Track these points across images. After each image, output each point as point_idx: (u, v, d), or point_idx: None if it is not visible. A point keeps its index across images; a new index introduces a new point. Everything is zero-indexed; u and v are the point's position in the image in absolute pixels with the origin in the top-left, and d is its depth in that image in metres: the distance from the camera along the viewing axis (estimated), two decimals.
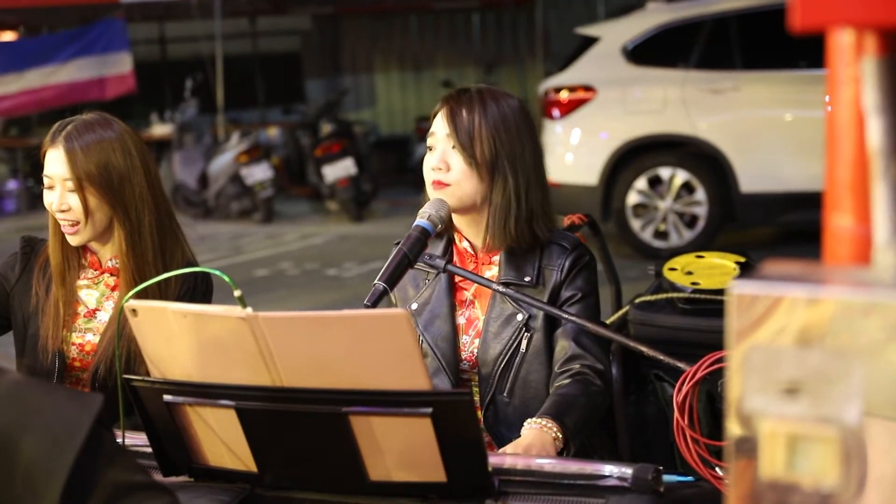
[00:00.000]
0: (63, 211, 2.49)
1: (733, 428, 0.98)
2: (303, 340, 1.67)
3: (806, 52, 8.08)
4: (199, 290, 2.57)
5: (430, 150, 2.39)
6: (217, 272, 1.79)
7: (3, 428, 1.34)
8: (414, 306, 2.45)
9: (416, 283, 2.48)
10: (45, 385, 1.43)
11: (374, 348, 1.64)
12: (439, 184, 2.35)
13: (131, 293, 1.84)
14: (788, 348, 0.94)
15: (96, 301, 2.59)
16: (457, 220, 2.43)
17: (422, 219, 2.29)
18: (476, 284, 2.42)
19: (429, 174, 2.37)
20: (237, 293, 1.67)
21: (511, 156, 2.35)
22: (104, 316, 2.57)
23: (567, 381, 2.29)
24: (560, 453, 2.13)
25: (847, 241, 1.00)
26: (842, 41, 0.97)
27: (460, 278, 2.44)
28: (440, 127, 2.38)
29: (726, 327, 0.98)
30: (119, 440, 1.44)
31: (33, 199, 13.01)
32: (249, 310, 1.66)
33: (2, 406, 1.36)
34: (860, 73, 0.95)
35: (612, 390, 2.42)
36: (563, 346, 2.34)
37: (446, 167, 2.35)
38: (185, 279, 2.55)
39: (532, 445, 2.09)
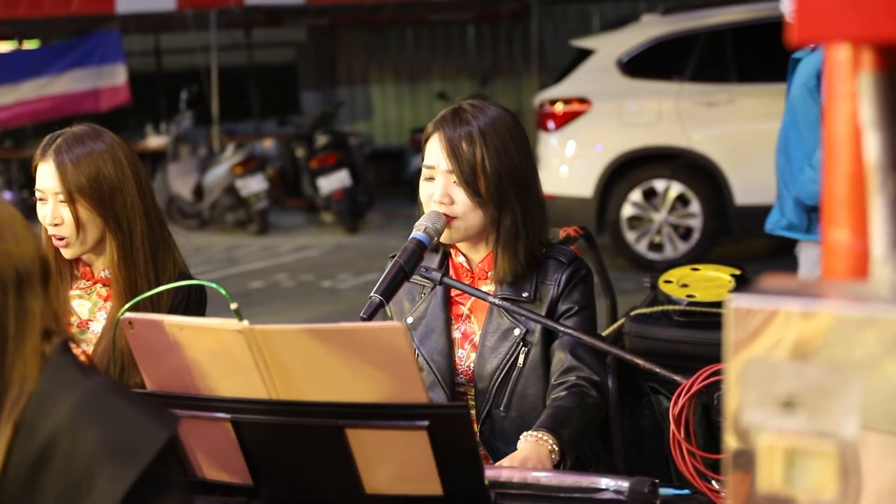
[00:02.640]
0: (56, 224, 2.49)
1: (731, 441, 0.98)
2: (299, 353, 1.67)
3: None
4: (192, 301, 2.57)
5: (430, 179, 2.35)
6: (213, 285, 1.79)
7: (70, 423, 1.35)
8: (409, 320, 2.45)
9: (412, 296, 2.48)
10: (131, 394, 1.44)
11: (370, 361, 1.64)
12: (445, 215, 2.32)
13: (127, 306, 1.83)
14: (786, 362, 0.94)
15: (88, 312, 2.59)
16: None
17: (418, 231, 2.28)
18: (472, 299, 2.41)
19: (429, 203, 2.34)
20: (234, 306, 1.67)
21: (515, 184, 2.33)
22: (97, 327, 2.56)
23: (563, 393, 2.29)
24: (556, 466, 2.13)
25: (844, 255, 1.00)
26: (839, 56, 0.97)
27: (456, 292, 2.43)
28: (439, 159, 2.33)
29: (724, 340, 0.98)
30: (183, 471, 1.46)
31: (28, 211, 12.90)
32: (246, 322, 1.66)
33: (82, 405, 1.37)
34: (857, 89, 0.95)
35: (608, 402, 2.42)
36: (560, 358, 2.34)
37: (450, 201, 2.32)
38: (178, 290, 2.54)
39: (528, 458, 2.08)
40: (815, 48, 3.93)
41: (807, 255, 3.99)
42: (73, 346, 1.48)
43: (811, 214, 3.87)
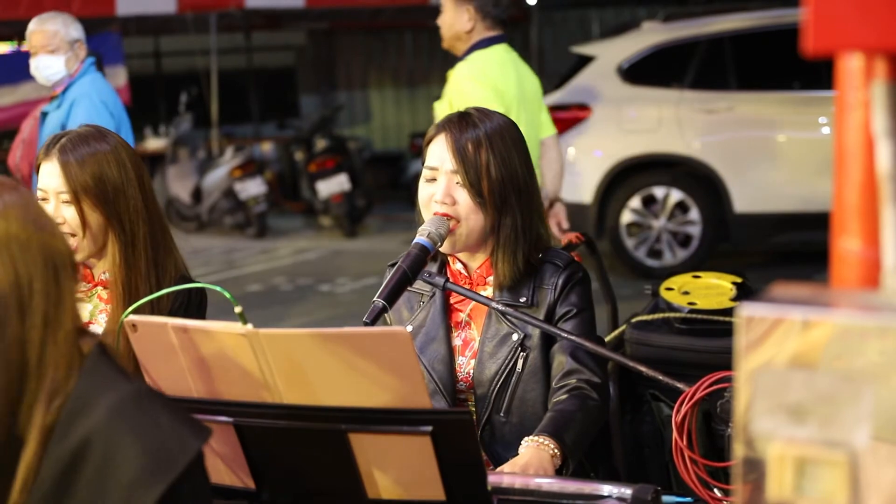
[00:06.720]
0: (58, 224, 2.48)
1: (740, 449, 0.97)
2: (303, 357, 1.67)
3: (800, 74, 8.11)
4: (192, 303, 2.56)
5: (431, 181, 2.35)
6: (218, 288, 1.78)
7: (105, 427, 1.36)
8: (409, 328, 2.43)
9: (411, 304, 2.47)
10: (167, 400, 1.45)
11: (374, 366, 1.64)
12: (446, 215, 2.33)
13: (130, 309, 1.83)
14: (796, 370, 0.94)
15: (89, 314, 2.58)
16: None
17: (421, 236, 2.28)
18: (471, 305, 2.41)
19: (431, 206, 2.34)
20: (237, 309, 1.67)
21: (516, 190, 2.33)
22: (97, 329, 2.56)
23: (564, 396, 2.29)
24: (559, 470, 2.12)
25: (855, 264, 1.00)
26: (851, 65, 0.97)
27: (455, 299, 2.43)
28: (444, 160, 2.33)
29: (735, 348, 0.98)
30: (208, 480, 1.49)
31: None
32: (250, 326, 1.66)
33: (118, 409, 1.38)
34: (870, 98, 0.95)
35: (609, 404, 2.41)
36: (560, 362, 2.34)
37: (452, 201, 2.32)
38: (178, 293, 2.54)
39: (530, 464, 2.08)
40: (60, 104, 5.08)
41: None
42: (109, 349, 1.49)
43: None
